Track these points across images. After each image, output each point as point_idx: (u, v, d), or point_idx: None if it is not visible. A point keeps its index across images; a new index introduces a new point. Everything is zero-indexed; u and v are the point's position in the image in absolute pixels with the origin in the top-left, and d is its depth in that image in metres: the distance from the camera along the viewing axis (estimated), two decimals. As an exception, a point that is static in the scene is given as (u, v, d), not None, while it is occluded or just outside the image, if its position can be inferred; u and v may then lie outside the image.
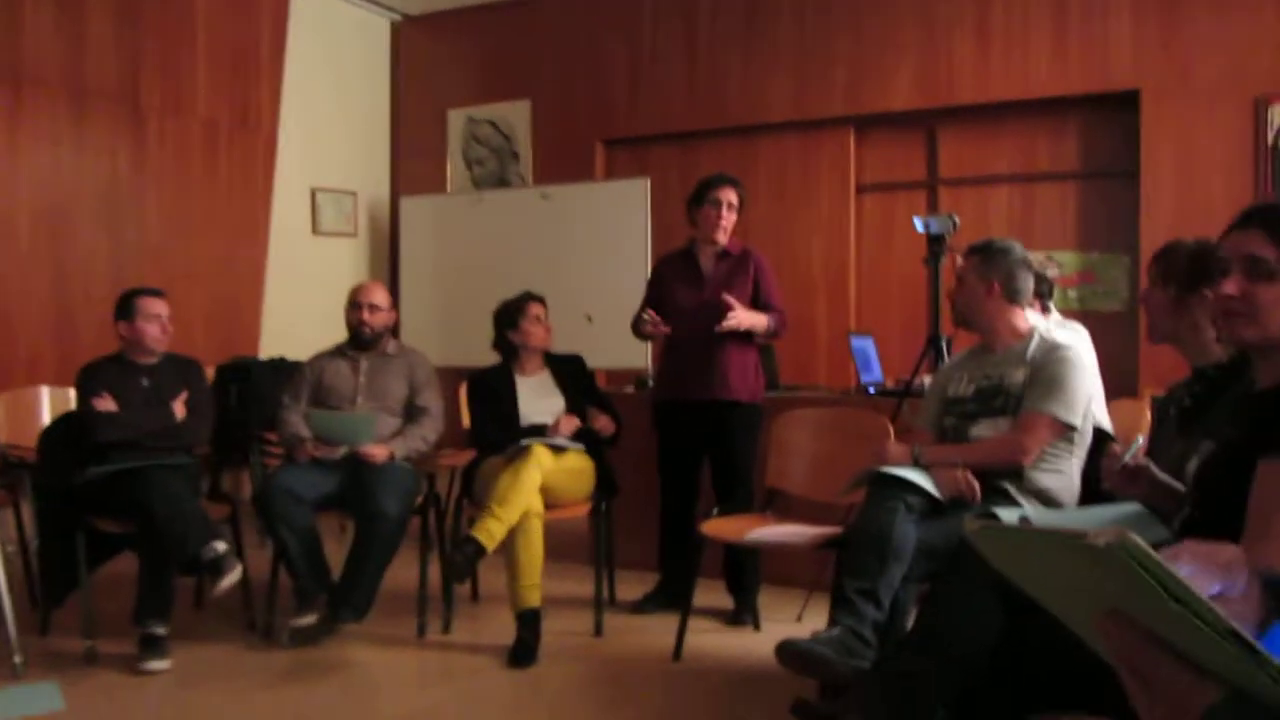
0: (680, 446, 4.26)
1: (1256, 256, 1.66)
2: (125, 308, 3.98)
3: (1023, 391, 3.01)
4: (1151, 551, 0.69)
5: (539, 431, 4.02)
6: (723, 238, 4.17)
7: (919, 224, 4.12)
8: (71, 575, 3.67)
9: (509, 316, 4.31)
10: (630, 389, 5.14)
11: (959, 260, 3.29)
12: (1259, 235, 1.67)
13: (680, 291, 4.22)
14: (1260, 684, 0.71)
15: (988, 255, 3.14)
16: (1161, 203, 5.48)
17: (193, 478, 3.90)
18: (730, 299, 3.98)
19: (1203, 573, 1.04)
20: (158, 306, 3.98)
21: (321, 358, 4.30)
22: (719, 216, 4.14)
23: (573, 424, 4.07)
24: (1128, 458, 1.95)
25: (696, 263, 4.23)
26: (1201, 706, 0.73)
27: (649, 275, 4.57)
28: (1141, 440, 2.14)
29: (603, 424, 4.11)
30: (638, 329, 4.25)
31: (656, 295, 4.31)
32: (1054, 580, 0.82)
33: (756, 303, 4.15)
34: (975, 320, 3.18)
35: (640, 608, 4.25)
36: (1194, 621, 0.70)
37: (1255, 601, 1.03)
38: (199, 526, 3.54)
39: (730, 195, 4.17)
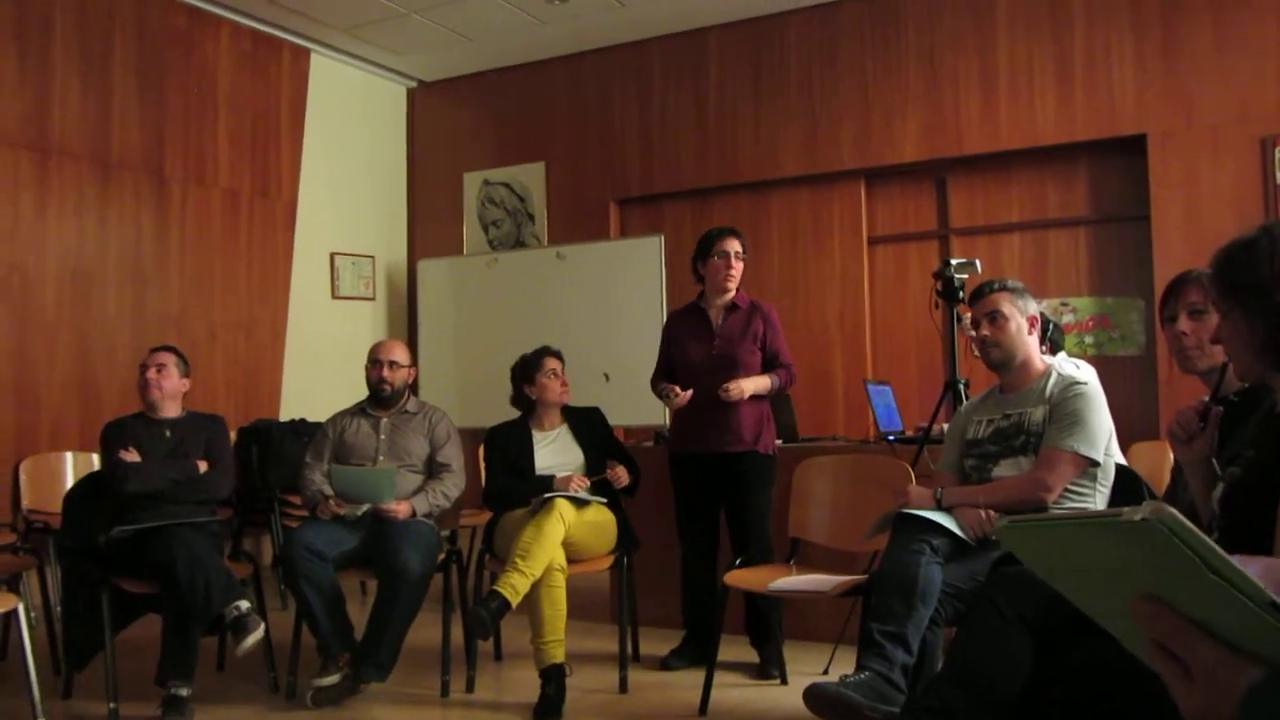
0: (695, 498, 4.24)
1: None
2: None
3: (1043, 429, 3.00)
4: (1188, 523, 0.69)
5: (548, 481, 4.02)
6: (732, 287, 4.21)
7: (949, 265, 4.12)
8: (96, 637, 3.65)
9: (526, 371, 4.32)
10: (649, 444, 5.14)
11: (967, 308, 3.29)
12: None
13: (691, 347, 4.24)
14: None
15: (1018, 291, 3.14)
16: (1173, 244, 5.50)
17: (216, 536, 3.92)
18: (728, 387, 3.97)
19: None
20: (160, 358, 4.11)
21: (342, 416, 4.32)
22: (728, 267, 4.17)
23: (582, 482, 4.03)
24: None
25: (706, 317, 4.25)
26: (1243, 687, 0.72)
27: (662, 334, 4.54)
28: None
29: (616, 474, 4.11)
30: (660, 394, 4.24)
31: (669, 353, 4.34)
32: (1085, 572, 0.82)
33: (765, 354, 4.17)
34: (1014, 355, 3.12)
35: (667, 664, 4.20)
36: (1233, 594, 0.70)
37: None
38: (222, 585, 3.55)
39: (735, 245, 4.20)
